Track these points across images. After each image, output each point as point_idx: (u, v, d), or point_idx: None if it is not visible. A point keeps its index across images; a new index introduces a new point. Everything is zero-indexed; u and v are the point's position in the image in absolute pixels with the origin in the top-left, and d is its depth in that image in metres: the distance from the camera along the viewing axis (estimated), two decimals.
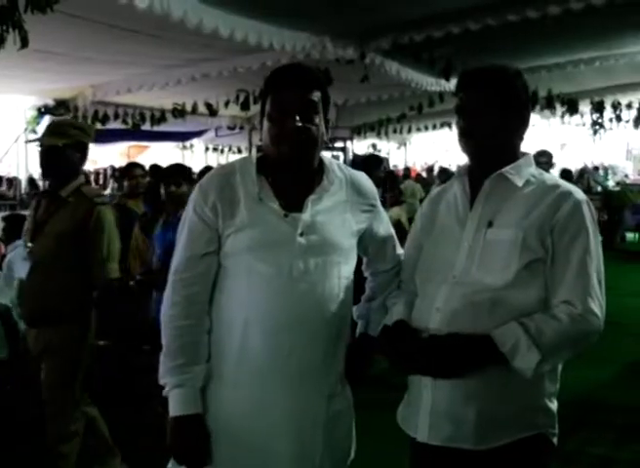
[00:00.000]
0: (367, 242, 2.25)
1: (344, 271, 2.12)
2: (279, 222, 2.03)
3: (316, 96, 2.05)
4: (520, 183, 2.06)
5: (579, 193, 2.04)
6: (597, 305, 1.93)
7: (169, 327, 2.06)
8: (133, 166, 6.29)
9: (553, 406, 2.07)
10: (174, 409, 2.03)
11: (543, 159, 6.24)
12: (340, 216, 2.12)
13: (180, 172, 4.69)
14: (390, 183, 9.41)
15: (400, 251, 2.36)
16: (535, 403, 2.03)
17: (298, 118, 1.99)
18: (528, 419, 2.02)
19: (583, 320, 1.91)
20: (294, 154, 2.02)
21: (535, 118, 15.69)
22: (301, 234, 2.03)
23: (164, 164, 6.85)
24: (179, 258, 2.08)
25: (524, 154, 2.13)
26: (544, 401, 2.04)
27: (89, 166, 17.96)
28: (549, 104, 12.63)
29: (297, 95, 2.01)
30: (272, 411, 2.03)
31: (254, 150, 2.16)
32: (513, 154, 2.10)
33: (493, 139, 2.05)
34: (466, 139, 2.07)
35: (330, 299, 2.07)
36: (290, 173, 2.07)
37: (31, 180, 14.81)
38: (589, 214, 2.00)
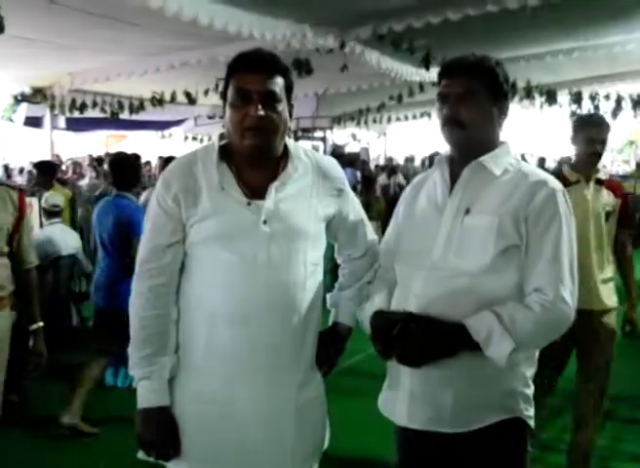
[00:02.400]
0: (336, 227, 2.25)
1: (311, 257, 2.11)
2: (242, 211, 2.02)
3: (279, 82, 2.02)
4: (498, 172, 2.09)
5: (553, 182, 2.07)
6: (568, 293, 1.97)
7: (136, 317, 2.06)
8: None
9: (529, 390, 2.11)
10: (141, 401, 2.04)
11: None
12: (305, 202, 2.10)
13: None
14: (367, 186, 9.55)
15: (372, 236, 2.37)
16: (511, 387, 2.06)
17: (260, 106, 1.96)
18: (504, 403, 2.06)
19: (554, 308, 1.95)
20: (255, 143, 1.99)
21: (514, 108, 15.84)
22: (265, 222, 2.02)
23: (143, 154, 6.82)
24: (144, 249, 2.08)
25: (502, 143, 2.17)
26: (520, 385, 2.08)
27: (66, 155, 17.84)
28: (528, 95, 12.69)
29: (259, 81, 1.98)
30: (242, 401, 2.03)
31: (214, 138, 2.14)
32: (493, 143, 2.14)
33: (477, 127, 2.08)
34: (450, 127, 2.08)
35: (296, 287, 2.06)
36: (252, 160, 2.06)
37: (6, 168, 14.69)
38: (564, 203, 2.04)
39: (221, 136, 2.11)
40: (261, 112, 1.96)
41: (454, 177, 2.14)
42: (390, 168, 14.87)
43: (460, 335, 1.94)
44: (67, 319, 6.50)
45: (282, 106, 2.03)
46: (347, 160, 14.76)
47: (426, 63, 8.76)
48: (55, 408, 4.68)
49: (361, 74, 10.92)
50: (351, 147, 21.44)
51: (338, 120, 17.51)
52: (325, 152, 17.00)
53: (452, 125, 2.08)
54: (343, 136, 20.98)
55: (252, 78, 1.98)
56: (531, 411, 2.12)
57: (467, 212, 2.06)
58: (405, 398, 2.10)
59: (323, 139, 17.34)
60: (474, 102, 2.06)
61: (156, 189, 2.08)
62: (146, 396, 2.04)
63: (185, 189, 2.03)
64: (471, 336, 1.93)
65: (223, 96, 2.07)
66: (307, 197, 2.12)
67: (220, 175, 2.03)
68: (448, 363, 1.99)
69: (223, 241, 2.02)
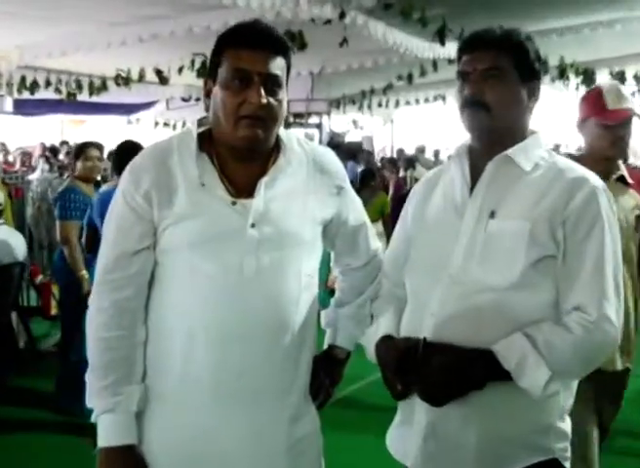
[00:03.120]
0: (334, 232, 2.24)
1: (306, 268, 2.10)
2: (226, 211, 1.99)
3: (280, 63, 2.01)
4: (528, 167, 2.07)
5: (595, 179, 2.05)
6: (614, 311, 1.95)
7: (95, 338, 2.02)
8: (89, 145, 6.33)
9: (565, 425, 2.09)
10: (103, 439, 2.00)
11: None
12: (299, 201, 2.08)
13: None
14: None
15: (376, 244, 2.36)
16: (544, 422, 2.04)
17: (262, 91, 1.95)
18: (537, 442, 2.04)
19: (598, 329, 1.93)
20: (252, 134, 1.97)
21: (545, 90, 15.77)
22: (253, 225, 1.99)
23: (106, 142, 6.80)
24: (106, 257, 2.04)
25: (532, 133, 2.15)
26: (555, 420, 2.06)
27: (13, 144, 17.83)
28: (562, 75, 12.73)
29: (260, 61, 1.97)
30: (224, 438, 2.01)
31: (191, 124, 2.11)
32: (522, 132, 2.12)
33: (504, 110, 2.06)
34: (473, 109, 2.06)
35: (289, 302, 2.05)
36: (242, 153, 2.03)
37: None
38: (607, 203, 2.03)
39: (200, 123, 2.09)
40: (264, 100, 1.95)
41: (475, 173, 2.12)
42: (407, 159, 14.85)
43: (489, 364, 1.93)
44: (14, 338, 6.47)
45: (283, 93, 2.03)
46: (347, 151, 14.78)
47: (441, 37, 8.78)
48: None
49: (364, 50, 10.95)
50: (352, 136, 21.48)
51: (336, 104, 17.52)
52: (321, 141, 17.02)
53: (475, 107, 2.05)
54: (343, 123, 21.01)
55: (252, 57, 1.96)
56: (568, 450, 2.09)
57: (492, 215, 2.05)
58: (419, 435, 2.08)
59: (319, 126, 17.33)
60: (501, 81, 2.04)
61: (121, 184, 2.04)
62: (110, 432, 2.00)
63: (158, 185, 1.98)
64: (501, 365, 1.92)
65: (212, 74, 2.04)
66: (302, 195, 2.09)
67: (199, 169, 2.00)
68: (472, 395, 1.97)
69: (203, 248, 1.98)
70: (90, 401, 2.02)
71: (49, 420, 5.26)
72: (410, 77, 12.69)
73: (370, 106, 17.62)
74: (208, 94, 2.06)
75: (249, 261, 1.99)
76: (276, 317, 2.02)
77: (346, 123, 20.66)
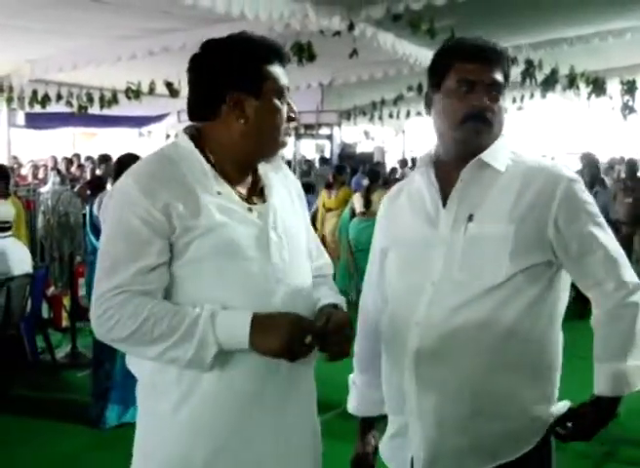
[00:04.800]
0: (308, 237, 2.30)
1: (310, 272, 2.18)
2: (247, 217, 2.04)
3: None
4: (502, 168, 2.11)
5: (566, 171, 2.12)
6: (631, 274, 2.07)
7: (137, 329, 1.90)
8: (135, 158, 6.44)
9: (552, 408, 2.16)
10: (232, 332, 1.92)
11: None
12: (291, 206, 2.18)
13: None
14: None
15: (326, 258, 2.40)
16: (535, 413, 2.10)
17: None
18: (532, 431, 2.10)
19: (627, 295, 2.04)
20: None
21: (555, 100, 15.83)
22: (266, 229, 2.05)
23: (116, 154, 6.83)
24: (118, 278, 1.93)
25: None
26: (543, 407, 2.12)
27: (25, 157, 17.92)
28: (572, 84, 12.72)
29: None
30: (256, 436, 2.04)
31: (177, 134, 2.16)
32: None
33: (500, 125, 2.12)
34: (477, 123, 2.08)
35: (310, 303, 2.12)
36: (249, 161, 2.12)
37: None
38: (582, 189, 2.10)
39: (188, 132, 2.11)
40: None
41: (444, 182, 2.14)
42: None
43: (603, 406, 2.05)
44: (30, 349, 6.50)
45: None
46: (359, 162, 14.81)
47: None
48: (11, 449, 4.73)
49: (374, 61, 10.98)
50: (363, 147, 21.51)
51: (347, 115, 17.55)
52: (332, 153, 17.06)
53: (482, 122, 2.08)
54: (354, 134, 21.04)
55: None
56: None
57: (470, 218, 2.07)
58: (419, 448, 2.11)
59: (330, 138, 17.41)
60: (500, 97, 2.10)
61: (129, 200, 1.97)
62: (230, 325, 1.93)
63: (177, 197, 1.97)
64: (611, 399, 2.04)
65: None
66: (290, 202, 2.19)
67: (213, 178, 2.04)
68: (461, 403, 2.04)
69: (234, 254, 2.00)
70: (196, 362, 1.93)
71: (65, 429, 5.29)
72: (420, 87, 12.67)
73: (381, 117, 17.65)
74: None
75: (276, 265, 2.04)
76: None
77: (357, 134, 20.68)
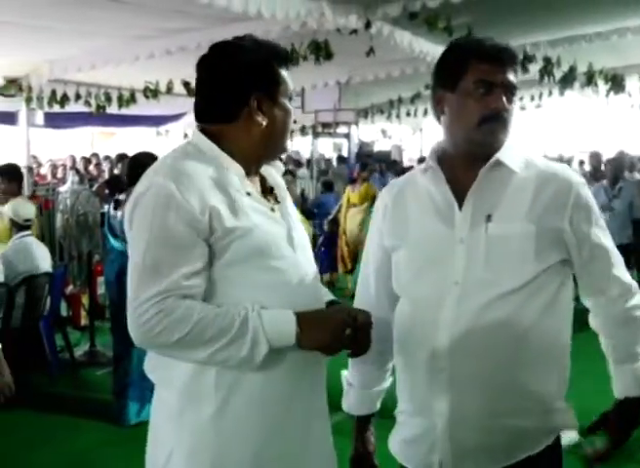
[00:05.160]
0: None
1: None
2: (274, 218, 2.11)
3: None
4: (518, 168, 2.13)
5: (576, 175, 2.18)
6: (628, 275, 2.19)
7: (188, 338, 1.91)
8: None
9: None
10: (276, 330, 1.97)
11: None
12: (293, 207, 2.27)
13: None
14: None
15: None
16: (555, 405, 2.15)
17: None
18: (551, 423, 2.15)
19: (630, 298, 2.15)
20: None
21: (574, 97, 15.73)
22: (290, 228, 2.14)
23: (133, 153, 6.87)
24: (164, 283, 1.92)
25: None
26: (559, 403, 2.17)
27: (45, 156, 18.03)
28: (590, 81, 12.65)
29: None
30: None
31: (193, 134, 2.18)
32: None
33: (511, 125, 2.15)
34: (496, 125, 2.09)
35: (322, 297, 2.23)
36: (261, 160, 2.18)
37: None
38: (589, 196, 2.16)
39: (204, 131, 2.13)
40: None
41: (454, 182, 2.15)
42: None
43: (631, 407, 2.13)
44: (49, 347, 6.55)
45: None
46: (377, 160, 14.80)
47: None
48: (32, 446, 4.78)
49: (391, 59, 10.98)
50: (381, 145, 21.48)
51: (364, 113, 17.54)
52: (349, 151, 17.05)
53: (496, 122, 2.09)
54: (371, 133, 21.02)
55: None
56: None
57: (489, 219, 2.08)
58: (446, 453, 2.13)
59: (347, 136, 17.39)
60: (514, 99, 2.13)
61: (172, 201, 1.95)
62: (278, 325, 1.98)
63: (218, 199, 1.99)
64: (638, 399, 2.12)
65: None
66: (291, 202, 2.27)
67: (240, 179, 2.08)
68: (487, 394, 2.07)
69: (271, 254, 2.06)
70: (247, 361, 1.97)
71: (84, 426, 5.35)
72: None
73: (398, 115, 17.61)
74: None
75: (301, 265, 2.14)
76: None
77: (375, 132, 20.65)
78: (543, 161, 2.21)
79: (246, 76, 2.08)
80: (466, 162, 2.14)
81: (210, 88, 2.12)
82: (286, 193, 2.25)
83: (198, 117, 2.17)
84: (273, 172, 2.25)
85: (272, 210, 2.12)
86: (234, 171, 2.07)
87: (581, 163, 18.49)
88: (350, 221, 10.61)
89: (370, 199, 10.28)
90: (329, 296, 2.30)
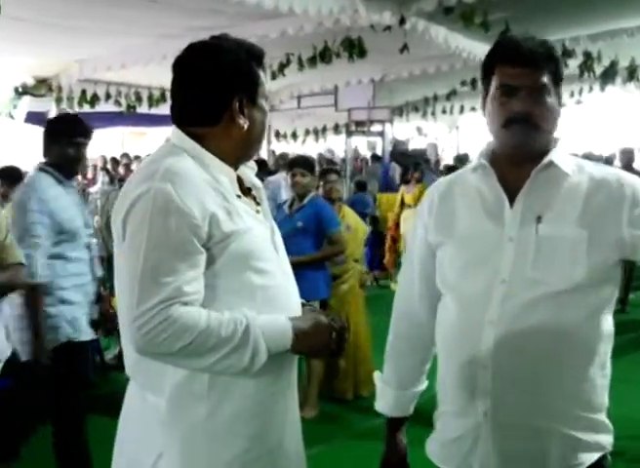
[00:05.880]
0: None
1: None
2: (259, 219, 2.17)
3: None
4: (570, 171, 2.14)
5: (630, 176, 2.17)
6: None
7: (192, 346, 1.94)
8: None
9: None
10: (277, 338, 2.05)
11: None
12: (268, 208, 2.33)
13: (306, 162, 6.06)
14: None
15: None
16: (600, 418, 2.15)
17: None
18: (596, 438, 2.13)
19: None
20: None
21: (615, 92, 15.56)
22: (273, 230, 2.22)
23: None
24: (167, 291, 1.92)
25: (555, 139, 2.22)
26: (603, 416, 2.17)
27: None
28: (632, 76, 12.53)
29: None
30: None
31: (174, 136, 2.16)
32: (552, 139, 2.19)
33: (550, 125, 2.14)
34: (522, 128, 2.10)
35: (299, 301, 2.28)
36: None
37: None
38: None
39: (189, 134, 2.12)
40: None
41: (504, 181, 2.17)
42: (449, 167, 14.75)
43: None
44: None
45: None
46: (412, 159, 14.72)
47: None
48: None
49: (425, 55, 10.93)
50: (416, 143, 21.42)
51: (399, 111, 17.49)
52: (383, 150, 17.02)
53: (525, 124, 2.10)
54: (406, 131, 20.97)
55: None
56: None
57: (539, 220, 2.09)
58: (486, 441, 2.14)
59: (381, 134, 17.31)
60: (547, 99, 2.11)
61: (173, 206, 1.95)
62: (275, 333, 2.05)
63: (217, 203, 2.03)
64: None
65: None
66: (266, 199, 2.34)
67: (230, 181, 2.13)
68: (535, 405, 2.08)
69: (261, 256, 2.11)
70: (248, 369, 2.02)
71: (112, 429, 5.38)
72: (474, 82, 12.59)
73: (434, 113, 17.59)
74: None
75: (283, 267, 2.21)
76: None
77: (410, 130, 20.60)
78: (594, 165, 2.21)
79: (228, 77, 2.09)
80: (515, 162, 2.16)
81: (190, 90, 2.12)
82: (263, 194, 2.30)
83: (177, 120, 2.16)
84: (248, 172, 2.27)
85: (257, 212, 2.18)
86: (224, 173, 2.10)
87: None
88: (405, 222, 10.73)
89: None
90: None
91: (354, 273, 6.31)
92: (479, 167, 2.21)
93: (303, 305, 2.29)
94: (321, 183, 6.43)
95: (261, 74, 2.15)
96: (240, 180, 2.22)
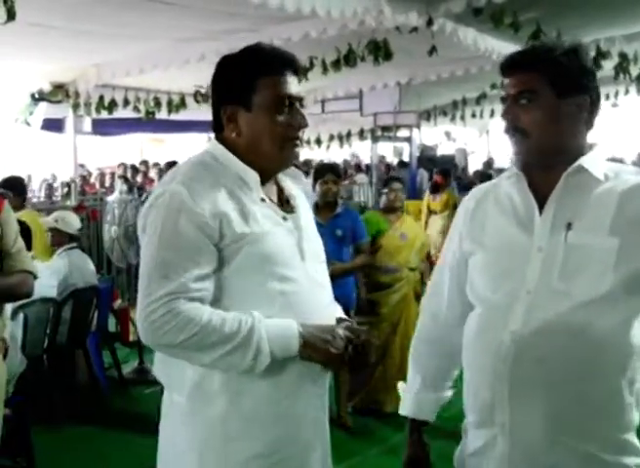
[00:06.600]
0: None
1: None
2: (286, 225, 2.22)
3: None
4: (602, 177, 2.11)
5: None
6: None
7: (194, 340, 2.04)
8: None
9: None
10: (280, 346, 2.10)
11: None
12: (311, 218, 2.40)
13: (337, 169, 6.27)
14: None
15: None
16: (628, 437, 2.09)
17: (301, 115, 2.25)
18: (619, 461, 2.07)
19: None
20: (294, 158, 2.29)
21: None
22: (301, 238, 2.25)
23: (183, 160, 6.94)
24: (174, 284, 2.05)
25: (591, 145, 2.18)
26: (629, 436, 2.10)
27: (93, 164, 18.31)
28: None
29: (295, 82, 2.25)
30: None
31: (209, 142, 2.37)
32: (579, 146, 2.15)
33: (544, 131, 2.11)
34: (511, 136, 2.15)
35: (333, 312, 2.34)
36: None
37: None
38: None
39: (225, 140, 2.27)
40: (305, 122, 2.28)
41: (535, 188, 2.16)
42: (482, 173, 14.70)
43: None
44: (96, 364, 6.63)
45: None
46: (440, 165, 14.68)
47: (536, 41, 8.67)
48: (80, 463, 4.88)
49: (454, 58, 10.92)
50: (445, 149, 21.37)
51: (426, 115, 17.50)
52: (411, 156, 17.00)
53: (512, 133, 2.14)
54: (435, 136, 20.93)
55: (293, 78, 2.30)
56: None
57: (569, 227, 2.07)
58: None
59: (408, 140, 17.26)
60: (535, 104, 2.10)
61: (184, 206, 2.09)
62: (281, 338, 2.11)
63: (229, 205, 2.13)
64: None
65: (244, 97, 2.24)
66: (308, 210, 2.40)
67: (255, 185, 2.21)
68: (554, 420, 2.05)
69: (281, 261, 2.17)
70: (250, 370, 2.09)
71: (134, 443, 5.41)
72: (504, 85, 12.54)
73: (463, 117, 17.56)
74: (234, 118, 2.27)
75: (313, 274, 2.26)
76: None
77: (438, 135, 20.56)
78: (630, 169, 2.18)
79: (217, 88, 2.29)
80: (542, 167, 2.15)
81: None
82: (303, 204, 2.36)
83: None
84: (289, 182, 2.38)
85: (284, 219, 2.22)
86: (249, 176, 2.21)
87: None
88: (431, 228, 10.84)
89: (451, 207, 10.60)
90: (340, 313, 2.41)
91: (408, 282, 6.28)
92: (513, 175, 2.22)
93: (342, 320, 2.33)
94: (385, 191, 6.47)
95: (264, 81, 2.20)
96: (281, 189, 2.33)
